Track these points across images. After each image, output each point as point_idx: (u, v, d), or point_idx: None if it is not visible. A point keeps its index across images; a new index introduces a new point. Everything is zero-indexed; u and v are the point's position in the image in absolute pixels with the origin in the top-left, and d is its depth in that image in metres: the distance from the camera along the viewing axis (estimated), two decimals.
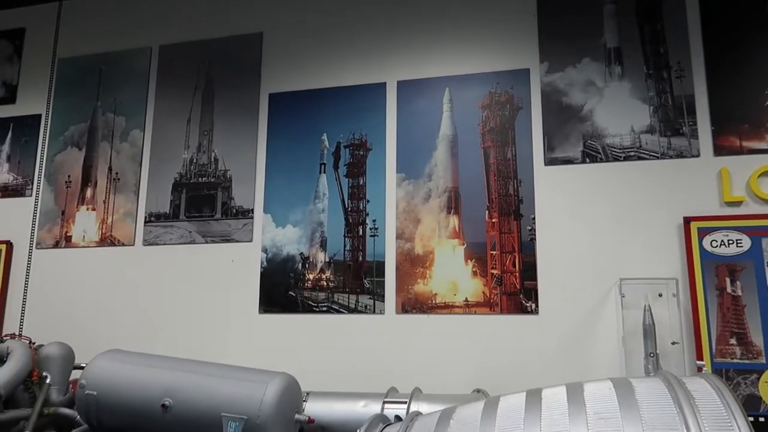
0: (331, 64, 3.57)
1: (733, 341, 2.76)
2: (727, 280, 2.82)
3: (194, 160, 3.70)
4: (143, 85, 3.88)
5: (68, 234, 3.82)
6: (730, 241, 2.83)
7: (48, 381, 2.83)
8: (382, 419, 2.14)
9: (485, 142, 3.25)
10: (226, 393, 2.17)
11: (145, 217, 3.70)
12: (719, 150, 2.94)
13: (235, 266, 3.49)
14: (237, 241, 3.51)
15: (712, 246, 2.85)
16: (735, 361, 2.74)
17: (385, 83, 3.46)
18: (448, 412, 1.97)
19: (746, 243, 2.81)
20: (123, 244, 3.70)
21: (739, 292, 2.79)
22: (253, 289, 3.43)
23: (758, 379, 2.70)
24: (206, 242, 3.56)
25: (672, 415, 1.65)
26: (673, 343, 2.75)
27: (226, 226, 3.55)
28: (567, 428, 1.70)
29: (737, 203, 2.88)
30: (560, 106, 3.18)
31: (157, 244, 3.64)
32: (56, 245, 3.82)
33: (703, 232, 2.87)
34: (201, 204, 3.62)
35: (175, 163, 3.72)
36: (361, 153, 3.42)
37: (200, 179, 3.66)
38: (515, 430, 1.75)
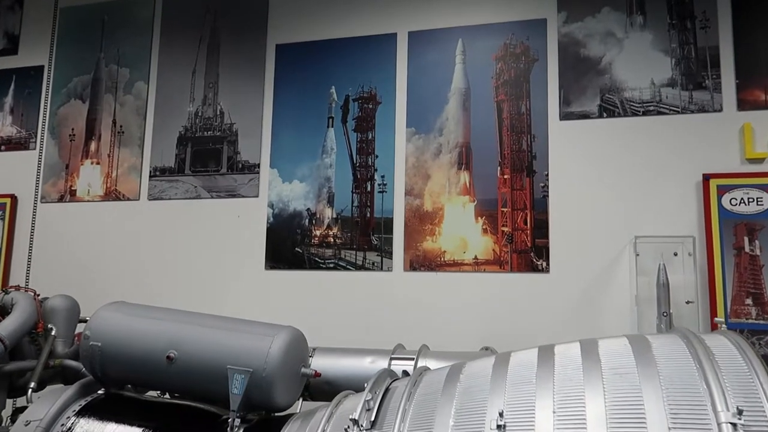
0: (339, 14, 3.44)
1: (749, 301, 2.70)
2: (746, 239, 2.73)
3: (199, 114, 3.61)
4: (147, 35, 3.77)
5: (72, 188, 3.77)
6: (750, 199, 2.73)
7: (53, 333, 2.81)
8: (389, 374, 2.10)
9: (499, 95, 3.14)
10: (232, 345, 2.13)
11: (150, 172, 3.63)
12: (743, 104, 2.82)
13: (240, 222, 3.44)
14: (243, 197, 3.45)
15: (731, 204, 2.76)
16: (750, 321, 2.68)
17: (395, 34, 3.33)
18: (457, 367, 1.92)
19: (767, 201, 2.72)
20: (128, 199, 3.65)
21: (758, 252, 2.71)
22: (259, 245, 3.38)
23: None
24: (212, 197, 3.50)
25: (691, 371, 1.58)
26: (687, 303, 2.69)
27: (231, 181, 3.49)
28: (581, 383, 1.64)
29: (760, 160, 2.77)
30: (578, 58, 3.05)
31: (162, 198, 3.59)
32: (61, 199, 3.77)
33: (722, 190, 2.78)
34: (206, 158, 3.55)
35: (180, 117, 3.64)
36: (371, 107, 3.32)
37: (206, 133, 3.58)
38: (527, 384, 1.70)
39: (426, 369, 2.09)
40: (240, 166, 3.48)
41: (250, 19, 3.58)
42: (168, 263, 3.51)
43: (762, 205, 2.72)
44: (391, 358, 2.68)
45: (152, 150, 3.65)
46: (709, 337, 1.78)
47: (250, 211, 3.43)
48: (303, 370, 2.23)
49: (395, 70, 3.30)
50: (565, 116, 3.03)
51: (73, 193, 3.76)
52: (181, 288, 3.45)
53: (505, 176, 3.07)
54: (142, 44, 3.77)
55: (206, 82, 3.62)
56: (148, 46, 3.75)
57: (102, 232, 3.66)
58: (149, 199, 3.62)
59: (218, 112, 3.58)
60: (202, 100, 3.62)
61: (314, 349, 2.77)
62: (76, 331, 2.99)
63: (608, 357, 1.77)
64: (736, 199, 2.74)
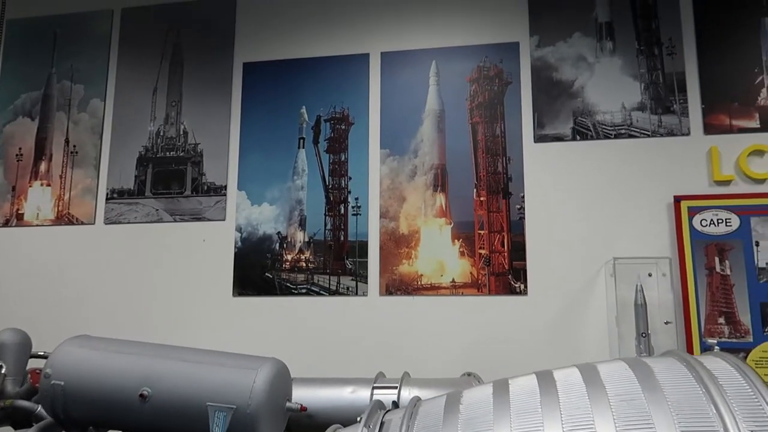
0: (311, 32, 3.38)
1: (721, 320, 2.76)
2: (716, 259, 2.80)
3: (161, 133, 3.45)
4: (104, 51, 3.59)
5: (20, 211, 3.51)
6: (720, 221, 2.81)
7: (3, 371, 2.57)
8: (380, 405, 2.02)
9: (473, 117, 3.14)
10: (212, 380, 2.00)
11: (107, 194, 3.43)
12: (709, 128, 2.92)
13: (206, 247, 3.28)
14: (208, 220, 3.30)
15: (702, 225, 2.83)
16: (723, 339, 2.74)
17: (368, 54, 3.29)
18: (454, 397, 1.85)
19: (735, 222, 2.80)
20: (82, 223, 3.43)
21: (728, 272, 2.78)
22: (226, 270, 3.23)
23: (746, 357, 2.70)
24: (175, 221, 3.34)
25: (698, 396, 1.57)
26: (666, 323, 2.73)
27: (196, 203, 3.33)
28: (589, 411, 1.61)
29: (726, 182, 2.86)
30: (550, 82, 3.09)
31: (120, 222, 3.39)
32: (6, 224, 3.51)
33: (693, 211, 2.84)
34: (169, 180, 3.39)
35: (140, 136, 3.47)
36: (343, 127, 3.26)
37: (168, 153, 3.42)
38: (533, 414, 1.65)
39: (419, 399, 2.02)
40: (205, 188, 3.34)
41: (215, 35, 3.47)
42: (126, 292, 3.30)
43: (730, 226, 2.80)
44: (373, 387, 2.58)
45: (109, 171, 3.46)
46: (707, 359, 1.78)
47: (217, 235, 3.28)
48: (288, 404, 2.12)
49: (368, 91, 3.25)
50: (539, 138, 3.06)
51: (20, 216, 3.51)
52: (142, 319, 3.25)
53: (482, 198, 3.06)
54: (99, 60, 3.58)
55: (168, 101, 3.47)
56: (105, 62, 3.57)
57: (53, 259, 3.42)
58: (106, 223, 3.41)
59: (182, 132, 3.43)
60: (164, 119, 3.46)
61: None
62: (28, 367, 2.75)
63: (612, 383, 1.74)
64: (706, 221, 2.82)
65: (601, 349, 2.82)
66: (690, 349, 2.73)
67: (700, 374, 1.69)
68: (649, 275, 2.84)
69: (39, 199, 3.51)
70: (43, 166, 3.54)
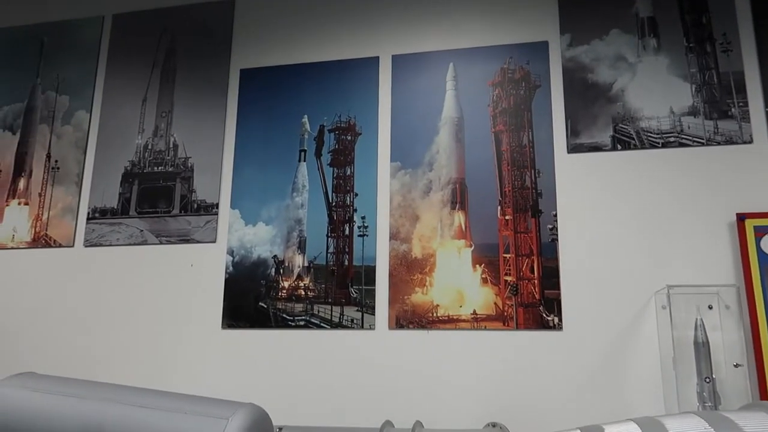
0: (313, 34, 3.05)
1: None
2: None
3: (149, 146, 3.12)
4: (92, 59, 3.31)
5: None
6: None
7: None
8: None
9: (497, 125, 2.75)
10: (174, 431, 1.59)
11: (88, 213, 3.09)
12: None
13: (194, 272, 2.90)
14: (198, 242, 2.93)
15: None
16: None
17: (377, 58, 2.95)
18: None
19: None
20: (60, 245, 3.09)
21: None
22: (215, 299, 2.84)
23: None
24: (160, 243, 2.97)
25: None
26: (736, 366, 2.25)
27: (185, 223, 2.97)
28: None
29: None
30: (585, 85, 2.70)
31: (101, 245, 3.04)
32: None
33: (760, 231, 2.39)
34: (156, 197, 3.04)
35: (126, 150, 3.14)
36: (349, 138, 2.89)
37: (156, 168, 3.08)
38: None
39: None
40: (195, 206, 2.98)
41: (211, 40, 3.16)
42: (105, 322, 2.93)
43: None
44: None
45: (92, 188, 3.13)
46: None
47: (206, 259, 2.90)
48: None
49: (377, 98, 2.89)
50: (573, 148, 2.65)
51: None
52: (121, 353, 2.86)
53: (507, 217, 2.65)
54: (86, 69, 3.29)
55: (158, 111, 3.15)
56: (93, 71, 3.28)
57: (27, 285, 3.07)
58: (86, 246, 3.06)
59: (171, 145, 3.09)
60: (153, 132, 3.14)
61: (281, 429, 2.23)
62: None
63: None
64: None
65: (654, 396, 2.35)
66: (764, 398, 2.24)
67: None
68: (710, 308, 2.38)
69: (16, 220, 3.18)
70: (22, 184, 3.23)
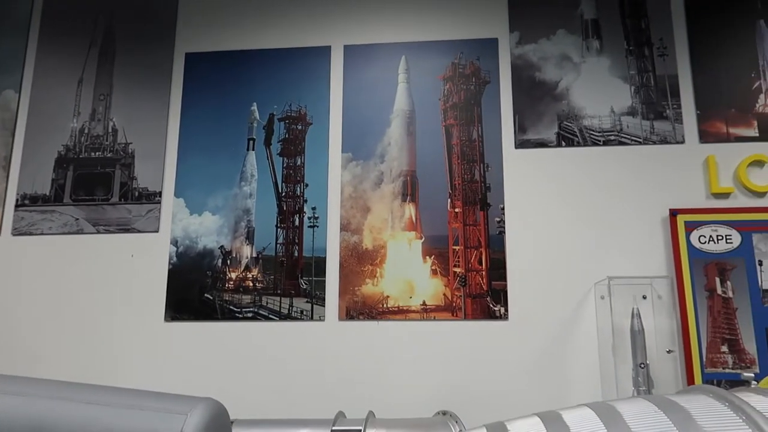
0: (264, 20, 2.99)
1: (724, 348, 2.45)
2: (717, 280, 2.52)
3: (86, 130, 2.97)
4: (22, 35, 3.10)
5: None
6: (719, 237, 2.53)
7: None
8: None
9: (447, 119, 2.80)
10: (128, 429, 1.53)
11: (17, 200, 2.91)
12: (705, 136, 2.66)
13: (135, 263, 2.79)
14: (139, 231, 2.82)
15: (700, 242, 2.54)
16: (727, 371, 2.43)
17: (329, 47, 2.92)
18: None
19: (736, 239, 2.53)
20: None
21: (730, 294, 2.49)
22: (158, 291, 2.75)
23: None
24: (98, 232, 2.84)
25: None
26: (669, 352, 2.40)
27: (125, 212, 2.85)
28: None
29: (725, 195, 2.60)
30: (532, 82, 2.79)
31: (31, 233, 2.87)
32: None
33: (690, 227, 2.56)
34: (93, 184, 2.90)
35: (60, 134, 2.97)
36: (299, 127, 2.86)
37: (93, 154, 2.93)
38: None
39: None
40: (136, 194, 2.86)
41: (154, 22, 3.03)
42: (36, 315, 2.77)
43: (731, 243, 2.52)
44: (333, 431, 2.15)
45: (21, 173, 2.94)
46: (749, 397, 1.45)
47: (148, 250, 2.80)
48: None
49: (329, 88, 2.87)
50: (520, 144, 2.73)
51: None
52: (55, 349, 2.72)
53: (457, 210, 2.70)
54: (14, 46, 3.08)
55: (96, 94, 3.00)
56: (23, 48, 3.08)
57: None
58: (14, 234, 2.88)
59: (110, 130, 2.95)
60: (90, 115, 2.98)
61: (233, 422, 2.18)
62: None
63: (642, 427, 1.38)
64: (705, 237, 2.53)
65: (593, 381, 2.47)
66: (691, 382, 2.41)
67: (756, 421, 1.34)
68: (644, 297, 2.53)
69: None
70: None
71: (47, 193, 2.91)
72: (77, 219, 2.86)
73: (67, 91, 3.01)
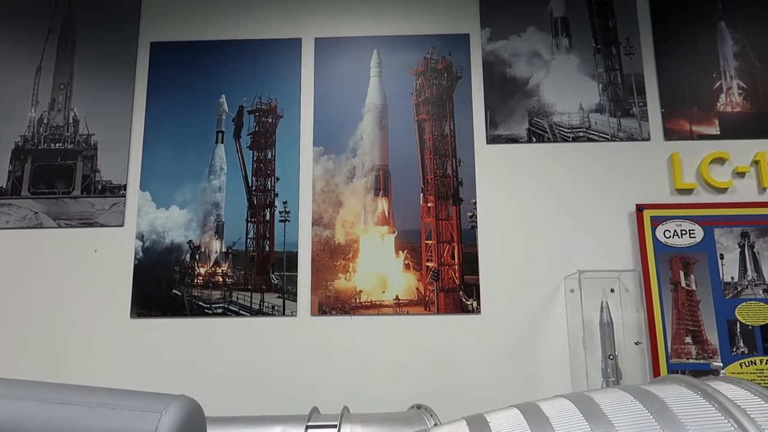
0: (234, 10, 2.93)
1: (688, 340, 2.53)
2: (681, 273, 2.59)
3: (45, 121, 2.85)
4: None
5: None
6: (683, 232, 2.61)
7: None
8: None
9: (419, 114, 2.80)
10: (101, 429, 1.47)
11: None
12: (669, 134, 2.74)
13: (98, 258, 2.70)
14: (102, 226, 2.73)
15: (665, 236, 2.61)
16: (691, 361, 2.51)
17: (300, 39, 2.88)
18: None
19: (699, 233, 2.61)
20: None
21: (693, 287, 2.58)
22: (123, 287, 2.67)
23: None
24: (59, 227, 2.73)
25: (727, 428, 1.29)
26: (637, 343, 2.46)
27: (87, 205, 2.75)
28: None
29: (689, 191, 2.68)
30: (504, 78, 2.81)
31: None
32: None
33: (656, 221, 2.63)
34: (53, 177, 2.79)
35: (17, 123, 2.84)
36: (270, 120, 2.81)
37: (53, 145, 2.82)
38: None
39: None
40: (100, 187, 2.76)
41: (118, 8, 2.93)
42: None
43: (694, 237, 2.60)
44: (308, 427, 2.12)
45: None
46: (720, 385, 1.50)
47: (112, 244, 2.71)
48: None
49: (300, 81, 2.84)
50: (492, 139, 2.76)
51: None
52: (14, 349, 2.61)
53: (429, 204, 2.70)
54: None
55: (55, 83, 2.88)
56: None
57: None
58: None
59: (71, 120, 2.84)
60: (50, 105, 2.86)
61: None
62: None
63: (620, 417, 1.41)
64: (670, 231, 2.61)
65: (564, 372, 2.52)
66: (657, 372, 2.48)
67: (727, 407, 1.38)
68: (612, 291, 2.59)
69: None
70: None
71: (3, 186, 2.78)
72: (36, 213, 2.75)
73: (24, 80, 2.88)
